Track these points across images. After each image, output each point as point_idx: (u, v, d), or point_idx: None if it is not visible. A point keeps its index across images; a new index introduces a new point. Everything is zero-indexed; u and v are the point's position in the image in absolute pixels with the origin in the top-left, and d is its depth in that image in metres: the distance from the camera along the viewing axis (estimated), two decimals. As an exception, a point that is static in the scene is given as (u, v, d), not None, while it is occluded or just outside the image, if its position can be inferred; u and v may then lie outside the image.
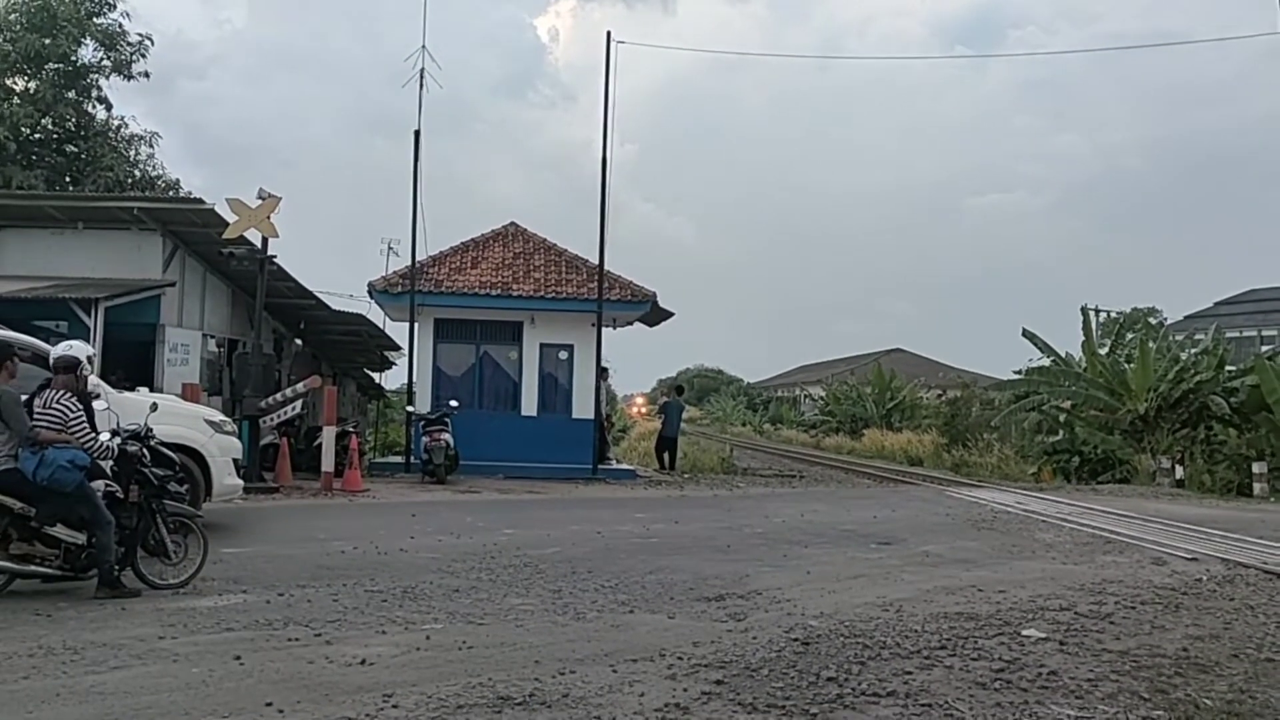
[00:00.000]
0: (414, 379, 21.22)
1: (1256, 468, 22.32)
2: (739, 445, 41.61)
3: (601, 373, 24.90)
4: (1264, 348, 36.18)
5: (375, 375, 34.14)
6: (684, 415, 29.51)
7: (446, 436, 18.80)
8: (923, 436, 39.26)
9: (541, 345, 21.90)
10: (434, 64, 21.41)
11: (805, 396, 72.08)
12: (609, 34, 21.38)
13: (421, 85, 20.80)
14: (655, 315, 23.79)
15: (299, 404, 17.97)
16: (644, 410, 46.45)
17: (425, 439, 19.02)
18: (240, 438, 13.32)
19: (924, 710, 5.41)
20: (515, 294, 21.47)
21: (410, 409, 21.16)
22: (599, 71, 21.47)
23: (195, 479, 10.88)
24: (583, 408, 21.78)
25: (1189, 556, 11.32)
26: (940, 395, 45.94)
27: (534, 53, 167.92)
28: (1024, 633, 7.24)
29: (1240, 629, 7.72)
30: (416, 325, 20.99)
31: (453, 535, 11.67)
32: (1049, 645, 6.94)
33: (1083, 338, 30.83)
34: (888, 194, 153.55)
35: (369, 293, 21.89)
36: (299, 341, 25.31)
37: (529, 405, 21.86)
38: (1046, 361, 30.77)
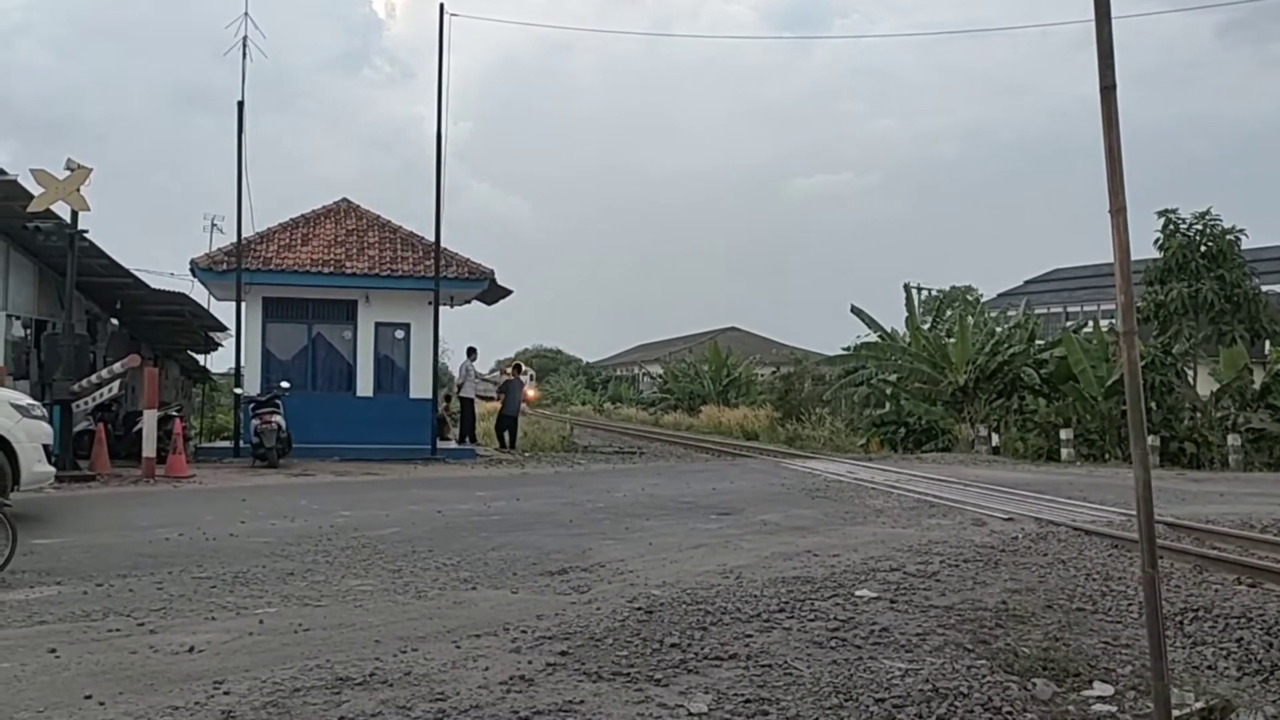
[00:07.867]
0: (242, 360, 20.38)
1: (1064, 434, 23.81)
2: (579, 424, 41.72)
3: (469, 353, 24.67)
4: (1068, 323, 38.67)
5: (200, 357, 32.74)
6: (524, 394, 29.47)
7: (278, 419, 18.15)
8: (758, 411, 40.23)
9: (377, 324, 21.36)
10: (258, 32, 20.51)
11: (644, 375, 72.75)
12: (441, 5, 20.97)
13: (245, 54, 19.94)
14: (493, 293, 23.55)
15: (116, 386, 17.02)
16: (530, 395, 43.32)
17: (255, 422, 18.30)
18: (51, 423, 12.51)
19: (764, 670, 5.54)
20: (349, 272, 20.85)
21: (238, 391, 20.35)
22: (436, 47, 21.10)
23: (1, 467, 10.22)
24: (420, 387, 21.39)
25: (1006, 517, 11.97)
26: (774, 371, 47.12)
27: (370, 27, 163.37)
28: (857, 593, 7.50)
29: (1053, 581, 8.21)
30: (244, 304, 20.19)
31: (286, 519, 11.28)
32: (880, 604, 7.21)
33: (906, 314, 32.28)
34: (719, 173, 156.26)
35: (191, 271, 20.89)
36: (115, 322, 23.96)
37: (364, 386, 21.30)
38: (874, 337, 32.01)
